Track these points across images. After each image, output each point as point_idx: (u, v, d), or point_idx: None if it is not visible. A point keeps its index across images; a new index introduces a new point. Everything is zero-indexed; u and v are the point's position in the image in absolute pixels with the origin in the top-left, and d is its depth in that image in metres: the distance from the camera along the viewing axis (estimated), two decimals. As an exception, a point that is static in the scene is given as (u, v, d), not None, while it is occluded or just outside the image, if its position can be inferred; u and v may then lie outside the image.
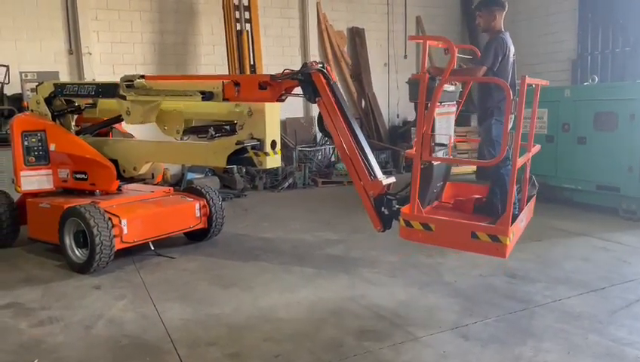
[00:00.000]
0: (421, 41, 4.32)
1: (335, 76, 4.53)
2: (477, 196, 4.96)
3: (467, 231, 3.84)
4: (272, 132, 4.81)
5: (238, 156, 4.91)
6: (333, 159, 11.14)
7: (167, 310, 4.18)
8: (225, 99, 4.80)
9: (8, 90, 8.43)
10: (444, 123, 4.51)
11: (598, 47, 10.17)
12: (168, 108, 5.42)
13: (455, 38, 13.06)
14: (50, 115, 5.94)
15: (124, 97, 5.28)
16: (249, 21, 10.00)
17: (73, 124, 6.19)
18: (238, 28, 9.88)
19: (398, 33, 12.31)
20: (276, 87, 4.56)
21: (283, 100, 4.73)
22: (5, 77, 8.36)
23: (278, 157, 4.92)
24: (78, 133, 6.10)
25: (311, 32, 11.18)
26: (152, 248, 5.54)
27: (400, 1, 12.24)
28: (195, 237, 6.05)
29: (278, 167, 6.79)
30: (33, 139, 5.71)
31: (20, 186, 5.71)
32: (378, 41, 12.15)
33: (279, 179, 9.80)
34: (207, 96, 4.77)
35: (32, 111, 6.10)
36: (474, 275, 4.85)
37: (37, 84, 6.29)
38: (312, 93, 4.41)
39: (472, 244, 3.83)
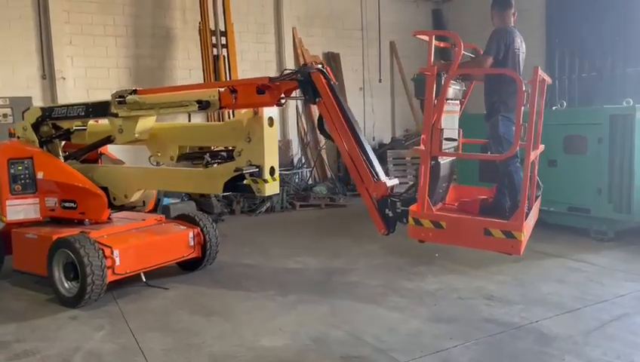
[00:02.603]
0: (426, 37, 4.21)
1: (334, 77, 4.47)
2: (483, 197, 4.84)
3: (480, 227, 3.75)
4: (271, 158, 4.70)
5: (234, 183, 4.79)
6: (310, 182, 11.19)
7: (147, 340, 4.12)
8: (222, 108, 4.67)
9: (-21, 116, 8.30)
10: (449, 121, 4.43)
11: (565, 71, 10.54)
12: (163, 133, 5.29)
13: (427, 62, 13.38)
14: (37, 141, 5.75)
15: (116, 115, 5.12)
16: (225, 46, 10.08)
17: (61, 150, 5.97)
18: (215, 53, 9.94)
19: (372, 58, 12.56)
20: (275, 89, 4.42)
21: (282, 105, 4.61)
22: (-23, 102, 8.23)
23: (277, 183, 4.80)
24: (65, 159, 5.89)
25: (287, 56, 11.31)
26: (144, 279, 5.35)
27: (374, 27, 12.51)
28: (188, 266, 5.86)
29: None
30: (20, 167, 5.52)
31: (5, 216, 5.50)
32: (353, 65, 12.35)
33: (257, 203, 9.77)
34: (203, 105, 4.62)
35: (18, 138, 5.90)
36: (453, 298, 4.92)
37: (24, 110, 6.01)
38: (311, 94, 4.31)
39: (485, 241, 3.74)
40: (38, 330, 4.38)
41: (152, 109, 4.98)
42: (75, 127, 5.84)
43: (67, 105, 5.68)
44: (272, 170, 4.70)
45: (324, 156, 11.80)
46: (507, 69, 4.55)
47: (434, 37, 4.21)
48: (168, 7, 10.22)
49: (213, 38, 9.96)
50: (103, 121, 5.63)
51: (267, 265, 6.24)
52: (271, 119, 4.68)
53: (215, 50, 9.95)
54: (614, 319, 4.33)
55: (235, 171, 4.70)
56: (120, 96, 5.04)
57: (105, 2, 9.65)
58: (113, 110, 5.13)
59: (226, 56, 10.05)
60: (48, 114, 5.73)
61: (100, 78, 9.65)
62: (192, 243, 5.68)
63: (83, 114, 5.48)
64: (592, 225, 6.94)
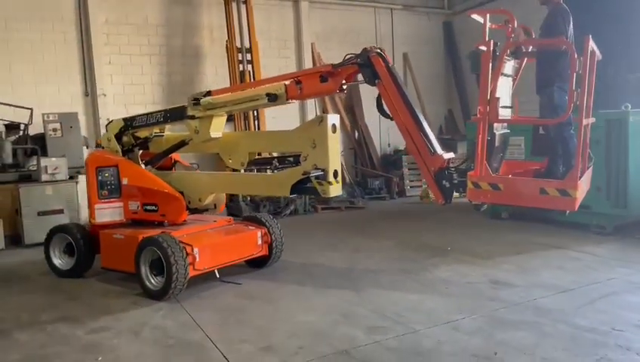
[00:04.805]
0: (481, 18, 4.62)
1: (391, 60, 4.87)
2: (535, 168, 5.12)
3: (536, 187, 4.10)
4: (334, 162, 5.02)
5: (301, 186, 5.15)
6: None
7: (201, 318, 4.86)
8: (288, 99, 5.01)
9: (31, 131, 9.15)
10: (503, 94, 4.74)
11: (570, 78, 11.10)
12: (235, 141, 5.78)
13: (439, 72, 14.11)
14: (120, 151, 6.30)
15: (192, 117, 5.56)
16: (250, 62, 10.88)
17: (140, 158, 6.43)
18: (241, 68, 10.75)
19: (387, 69, 13.25)
20: (337, 76, 4.75)
21: (344, 90, 4.91)
22: (30, 119, 9.09)
23: (340, 185, 5.11)
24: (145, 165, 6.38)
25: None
26: (218, 276, 5.83)
27: (388, 39, 13.27)
28: (256, 264, 6.31)
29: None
30: (106, 174, 6.11)
31: (94, 218, 6.10)
32: (369, 76, 13.03)
33: (282, 206, 10.51)
34: (272, 98, 4.95)
35: (103, 148, 6.47)
36: (463, 283, 5.59)
37: (107, 122, 6.67)
38: (371, 76, 4.67)
39: (540, 200, 4.08)
40: (108, 313, 5.13)
41: (225, 107, 5.41)
42: (154, 134, 6.42)
43: (147, 114, 6.18)
44: (335, 173, 5.02)
45: (343, 162, 12.52)
46: (563, 40, 4.84)
47: (488, 15, 4.67)
48: (197, 27, 11.10)
49: (239, 55, 10.79)
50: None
51: (295, 259, 6.91)
52: (334, 126, 5.02)
53: (241, 65, 10.77)
54: (603, 296, 4.98)
55: (302, 174, 5.08)
56: (195, 99, 5.51)
57: (140, 25, 10.57)
58: (189, 112, 5.58)
59: (251, 71, 10.85)
60: (130, 123, 6.25)
61: (136, 93, 10.54)
62: (260, 243, 6.13)
63: (162, 120, 5.98)
64: (593, 220, 7.55)
